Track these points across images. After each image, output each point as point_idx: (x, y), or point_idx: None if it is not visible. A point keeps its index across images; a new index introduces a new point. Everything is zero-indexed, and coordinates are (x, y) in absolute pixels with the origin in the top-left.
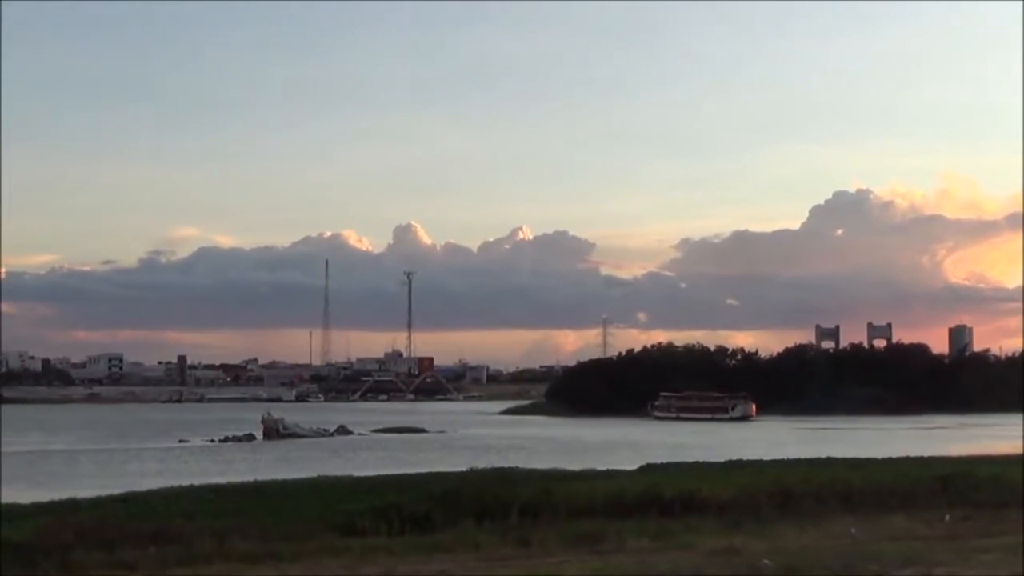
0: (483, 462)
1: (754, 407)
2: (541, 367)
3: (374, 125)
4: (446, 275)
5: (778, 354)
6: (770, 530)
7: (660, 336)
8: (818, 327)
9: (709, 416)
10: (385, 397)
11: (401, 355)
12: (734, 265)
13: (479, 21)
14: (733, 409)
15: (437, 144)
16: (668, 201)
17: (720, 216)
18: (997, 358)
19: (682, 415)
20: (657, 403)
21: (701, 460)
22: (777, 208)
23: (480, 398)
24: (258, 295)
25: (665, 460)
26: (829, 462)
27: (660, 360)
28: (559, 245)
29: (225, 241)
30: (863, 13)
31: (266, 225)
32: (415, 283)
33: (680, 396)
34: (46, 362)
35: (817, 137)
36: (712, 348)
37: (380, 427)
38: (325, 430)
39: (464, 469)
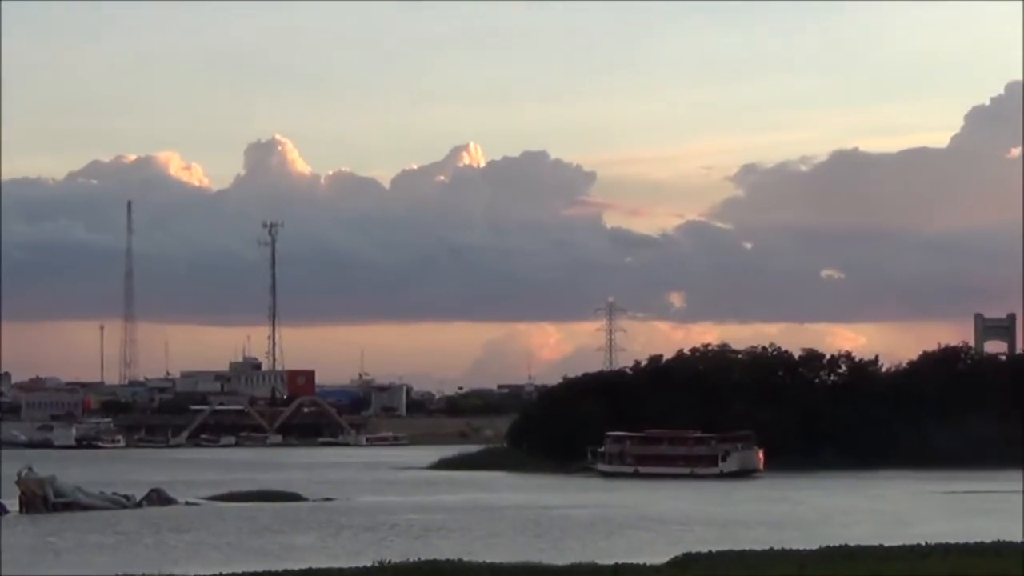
0: (398, 551)
1: (762, 455)
2: (501, 387)
3: None
4: (337, 228)
5: (911, 363)
6: None
7: (707, 334)
8: (979, 317)
9: (686, 470)
10: (232, 440)
11: (259, 367)
12: (834, 211)
13: None
14: (725, 459)
15: None
16: (718, 99)
17: (809, 125)
18: None
19: (642, 468)
20: (603, 449)
21: (776, 546)
22: (907, 111)
23: (397, 441)
24: (10, 263)
25: (713, 547)
26: (998, 550)
27: (707, 375)
28: (533, 176)
29: None
30: None
31: (22, 142)
32: (284, 241)
33: (641, 439)
34: None
35: None
36: (797, 354)
37: (223, 491)
38: (128, 497)
39: (367, 564)
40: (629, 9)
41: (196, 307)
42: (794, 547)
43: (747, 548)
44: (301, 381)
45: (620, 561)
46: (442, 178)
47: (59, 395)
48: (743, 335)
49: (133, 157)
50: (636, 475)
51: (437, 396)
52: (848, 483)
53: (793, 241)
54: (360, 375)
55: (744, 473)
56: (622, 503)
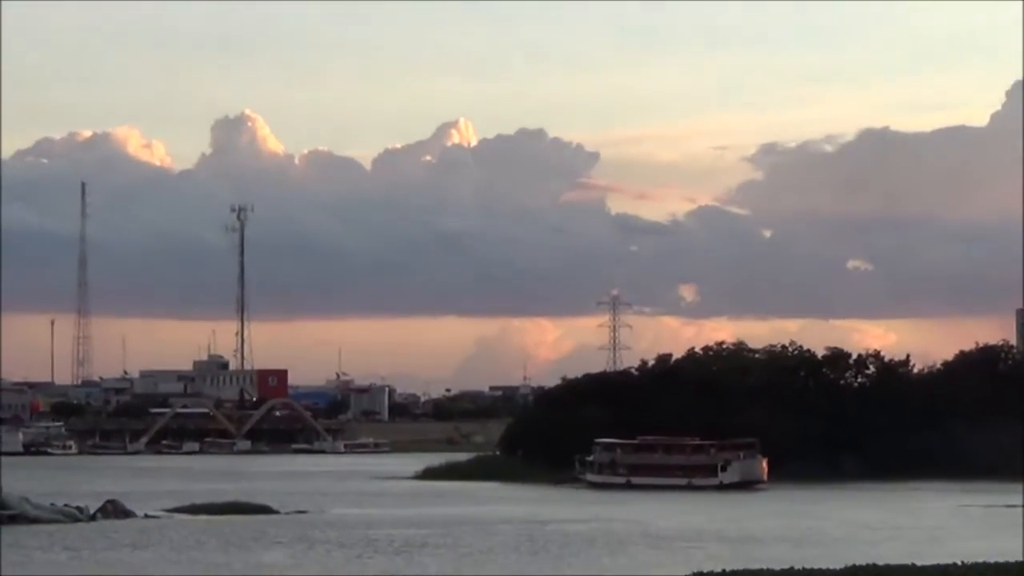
0: (378, 568)
1: (766, 465)
2: (494, 389)
3: None
4: (313, 213)
5: (946, 364)
6: None
7: (721, 331)
8: (1021, 313)
9: (683, 480)
10: (196, 446)
11: (226, 366)
12: (862, 195)
13: None
14: (726, 469)
15: None
16: (735, 71)
17: (835, 101)
18: None
19: (635, 479)
20: (591, 458)
21: (796, 565)
22: (944, 86)
23: (378, 448)
24: None
25: (727, 565)
26: None
27: (721, 377)
28: (529, 156)
29: None
30: None
31: None
32: (254, 227)
33: (634, 446)
34: None
35: None
36: (820, 354)
37: (186, 503)
38: (80, 509)
39: None
40: None
41: (157, 300)
42: (817, 566)
43: (764, 567)
44: (272, 382)
45: None
46: (429, 158)
47: (5, 396)
48: (761, 332)
49: (88, 134)
50: (628, 486)
51: (423, 399)
52: (876, 496)
53: (817, 228)
54: (338, 375)
55: (746, 484)
56: (623, 517)
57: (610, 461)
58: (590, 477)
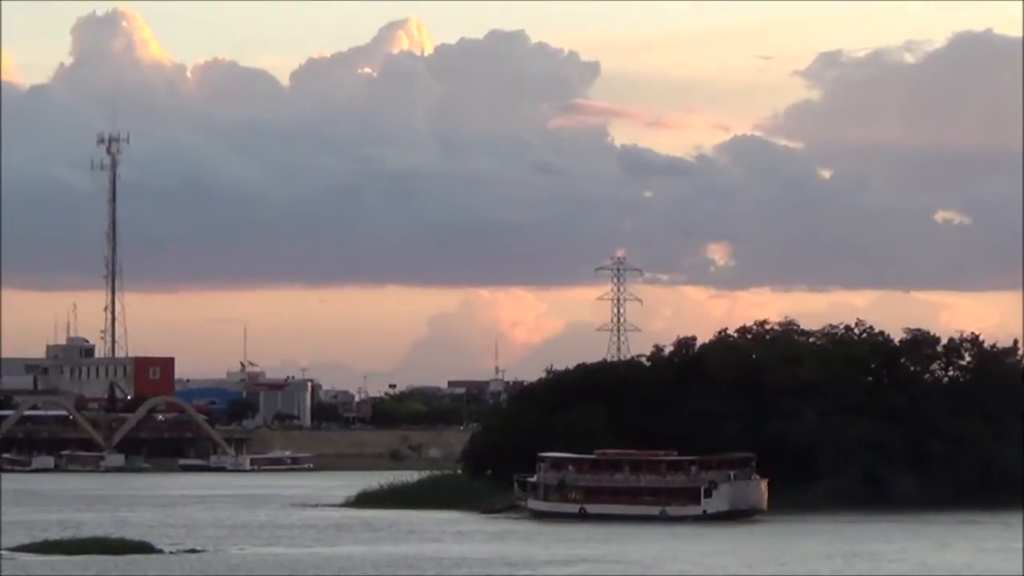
0: None
1: (765, 488)
2: (454, 384)
3: None
4: (211, 144)
5: None
6: None
7: (764, 306)
8: None
9: (655, 509)
10: (50, 461)
11: (92, 352)
12: (955, 123)
13: None
14: (711, 494)
15: None
16: None
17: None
18: None
19: (592, 507)
20: (534, 479)
21: None
22: None
23: (296, 464)
24: None
25: None
26: None
27: (763, 368)
28: (504, 68)
29: None
30: None
31: None
32: (131, 164)
33: (591, 463)
34: None
35: None
36: (898, 338)
37: (36, 539)
38: None
39: None
40: None
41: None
42: None
43: None
44: (154, 374)
45: None
46: (368, 71)
47: None
48: (817, 307)
49: None
50: (582, 516)
51: (358, 398)
52: (970, 530)
53: (893, 168)
54: (242, 365)
55: (739, 513)
56: (618, 556)
57: (559, 483)
58: (533, 504)
